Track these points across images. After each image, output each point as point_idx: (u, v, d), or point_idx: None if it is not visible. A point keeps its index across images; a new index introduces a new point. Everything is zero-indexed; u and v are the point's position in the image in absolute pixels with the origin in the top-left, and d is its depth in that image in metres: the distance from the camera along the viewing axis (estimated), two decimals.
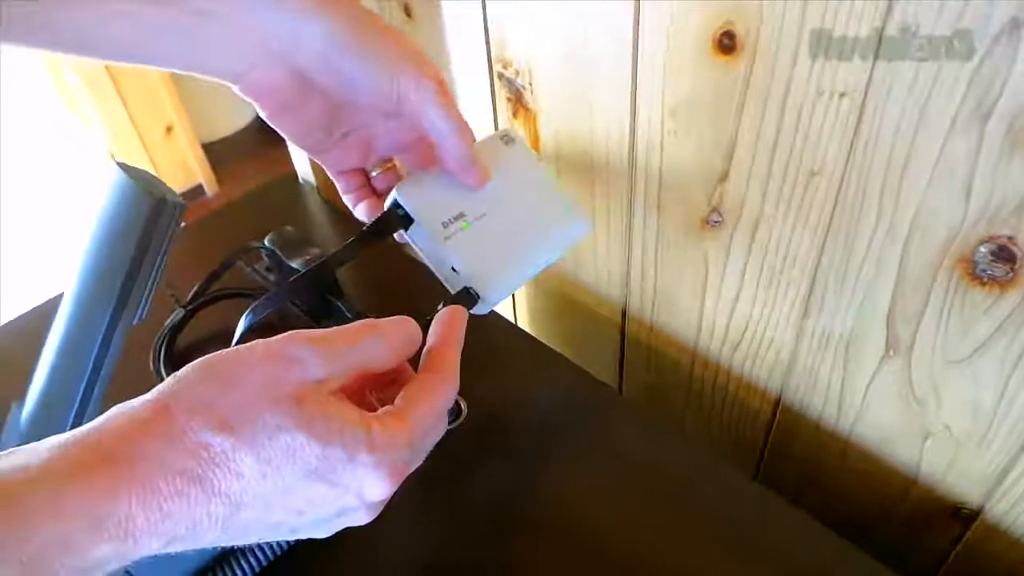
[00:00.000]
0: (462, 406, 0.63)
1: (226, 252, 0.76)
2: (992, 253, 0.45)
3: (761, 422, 0.68)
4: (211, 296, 0.77)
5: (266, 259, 0.79)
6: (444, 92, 0.45)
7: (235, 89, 0.46)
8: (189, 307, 0.75)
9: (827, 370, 0.59)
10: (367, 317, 0.70)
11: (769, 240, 0.57)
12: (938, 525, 0.59)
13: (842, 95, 0.47)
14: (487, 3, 0.65)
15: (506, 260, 0.49)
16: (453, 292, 0.48)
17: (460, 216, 0.48)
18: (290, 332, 0.36)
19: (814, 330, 0.58)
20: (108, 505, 0.29)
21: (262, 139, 2.31)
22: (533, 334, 0.74)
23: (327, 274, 0.71)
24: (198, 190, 2.19)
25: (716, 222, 0.59)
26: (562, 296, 0.80)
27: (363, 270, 0.81)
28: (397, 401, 0.37)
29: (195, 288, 0.76)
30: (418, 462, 0.37)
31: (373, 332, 0.37)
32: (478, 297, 0.47)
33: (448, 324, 0.42)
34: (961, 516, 0.57)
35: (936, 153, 0.44)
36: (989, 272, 0.46)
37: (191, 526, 0.30)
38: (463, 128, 0.46)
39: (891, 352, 0.54)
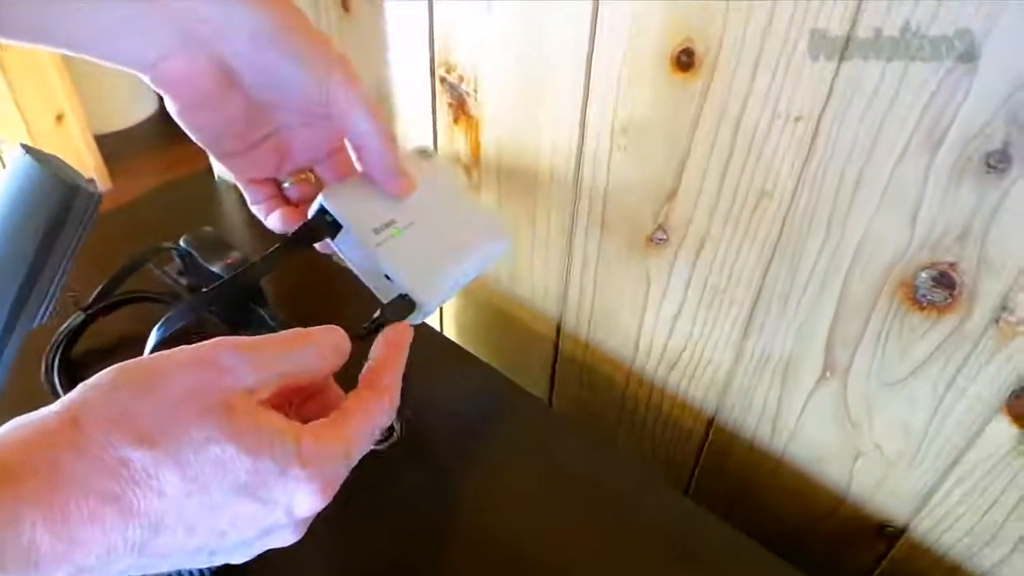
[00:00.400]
0: (395, 427, 0.60)
1: (131, 253, 0.70)
2: (933, 279, 0.47)
3: (694, 441, 0.68)
4: (116, 299, 0.71)
5: (179, 262, 0.73)
6: (371, 99, 0.45)
7: (145, 78, 0.41)
8: (90, 310, 0.69)
9: (763, 391, 0.60)
10: (290, 326, 0.66)
11: (714, 259, 0.57)
12: (864, 543, 0.60)
13: (797, 119, 0.47)
14: (434, 4, 0.63)
15: (438, 268, 0.47)
16: (385, 300, 0.46)
17: (391, 223, 0.46)
18: (217, 338, 0.33)
19: (753, 351, 0.59)
20: (7, 530, 0.25)
21: (161, 134, 2.19)
22: (461, 345, 0.71)
23: (250, 282, 0.66)
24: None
25: (661, 240, 0.59)
26: (493, 309, 0.79)
27: (284, 277, 0.76)
28: (333, 414, 0.35)
29: (97, 290, 0.70)
30: (345, 475, 0.35)
31: (305, 341, 0.35)
32: (414, 304, 0.45)
33: (393, 343, 0.40)
34: (886, 534, 0.59)
35: (886, 178, 0.46)
36: (929, 297, 0.47)
37: (104, 554, 0.27)
38: (390, 135, 0.45)
39: (828, 374, 0.55)
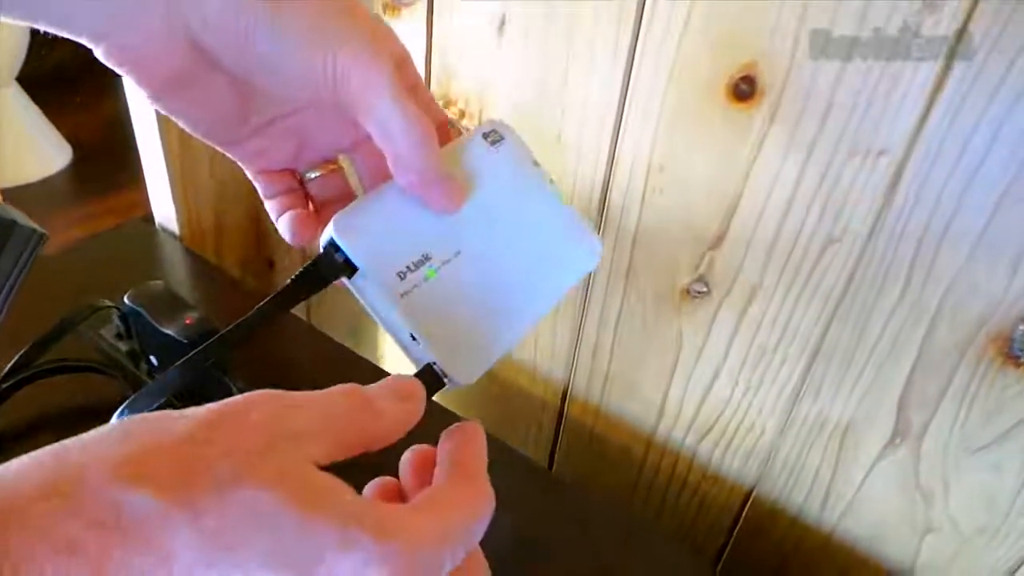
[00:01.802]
0: None
1: (57, 313, 0.59)
2: None
3: (726, 516, 0.61)
4: (36, 370, 0.59)
5: (117, 324, 0.62)
6: (403, 79, 0.32)
7: (97, 53, 0.31)
8: (4, 384, 0.57)
9: (816, 460, 0.53)
10: None
11: (764, 315, 0.51)
12: None
13: (880, 153, 0.42)
14: (434, 28, 0.56)
15: (488, 318, 0.34)
16: (415, 367, 0.34)
17: (424, 260, 0.33)
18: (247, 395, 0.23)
19: (806, 416, 0.52)
20: None
21: (77, 187, 2.02)
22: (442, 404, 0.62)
23: (239, 342, 0.56)
24: None
25: (700, 292, 0.53)
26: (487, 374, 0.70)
27: (256, 340, 0.66)
28: (418, 498, 0.26)
29: (15, 359, 0.58)
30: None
31: (363, 399, 0.27)
32: (445, 378, 0.34)
33: (469, 438, 0.30)
34: None
35: (983, 223, 0.41)
36: None
37: None
38: (424, 129, 0.31)
39: (898, 440, 0.49)
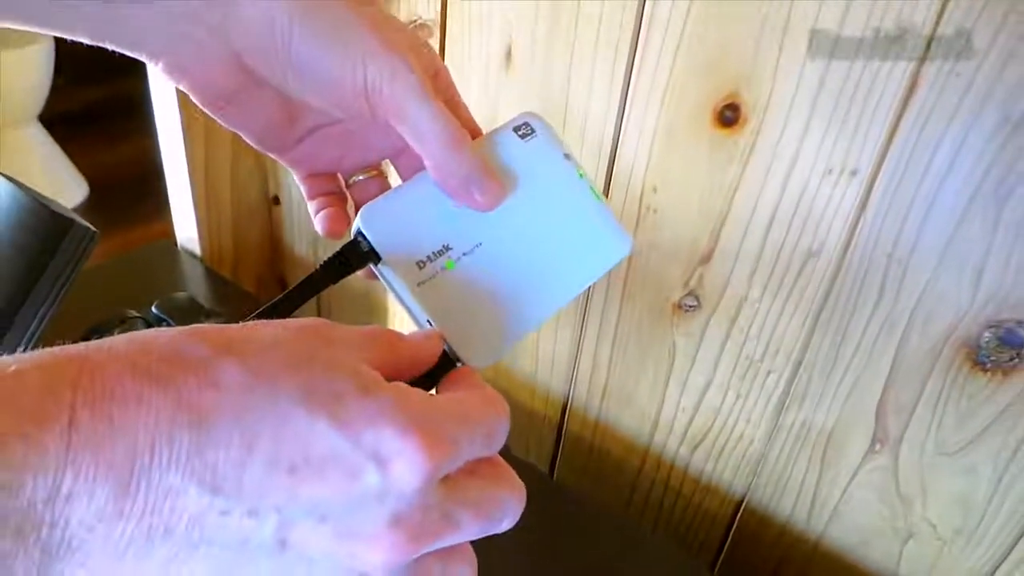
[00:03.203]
0: None
1: (84, 325, 0.63)
2: (999, 338, 0.45)
3: (719, 524, 0.63)
4: None
5: None
6: (434, 86, 0.34)
7: (157, 69, 0.35)
8: None
9: (802, 467, 0.56)
10: None
11: (750, 327, 0.54)
12: None
13: (853, 173, 0.46)
14: (446, 58, 0.60)
15: (505, 307, 0.36)
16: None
17: (444, 250, 0.35)
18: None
19: (792, 424, 0.55)
20: (46, 396, 0.20)
21: (92, 222, 2.08)
22: None
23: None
24: None
25: (691, 307, 0.56)
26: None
27: None
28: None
29: None
30: (461, 459, 0.24)
31: (391, 332, 0.29)
32: (458, 361, 0.35)
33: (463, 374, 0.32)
34: None
35: (948, 236, 0.44)
36: (993, 358, 0.45)
37: (146, 458, 0.20)
38: (457, 132, 0.33)
39: (877, 446, 0.52)
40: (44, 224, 0.37)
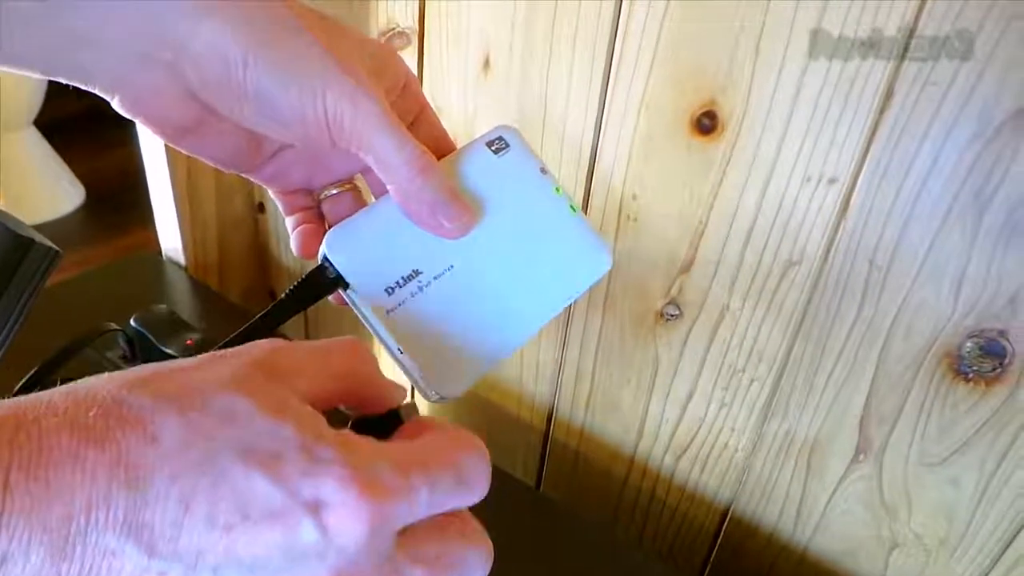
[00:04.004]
0: None
1: (65, 337, 0.62)
2: (980, 348, 0.44)
3: (705, 534, 0.62)
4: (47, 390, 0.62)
5: (124, 347, 0.65)
6: (404, 105, 0.34)
7: (113, 104, 0.34)
8: None
9: (787, 477, 0.56)
10: None
11: (732, 336, 0.53)
12: None
13: (831, 181, 0.45)
14: (424, 68, 0.60)
15: (479, 332, 0.34)
16: (406, 377, 0.35)
17: (414, 275, 0.33)
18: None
19: (775, 434, 0.55)
20: None
21: (90, 225, 2.08)
22: None
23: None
24: None
25: (672, 315, 0.55)
26: (474, 396, 0.73)
27: None
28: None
29: (24, 379, 0.60)
30: (419, 507, 0.23)
31: (357, 345, 0.27)
32: (430, 391, 0.34)
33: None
34: None
35: (928, 244, 0.43)
36: (975, 368, 0.45)
37: (84, 519, 0.20)
38: (423, 161, 0.32)
39: (861, 456, 0.51)
40: (2, 244, 0.36)
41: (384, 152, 0.31)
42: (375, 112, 0.31)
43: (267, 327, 0.37)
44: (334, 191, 0.38)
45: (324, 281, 0.35)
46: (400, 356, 0.33)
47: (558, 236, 0.36)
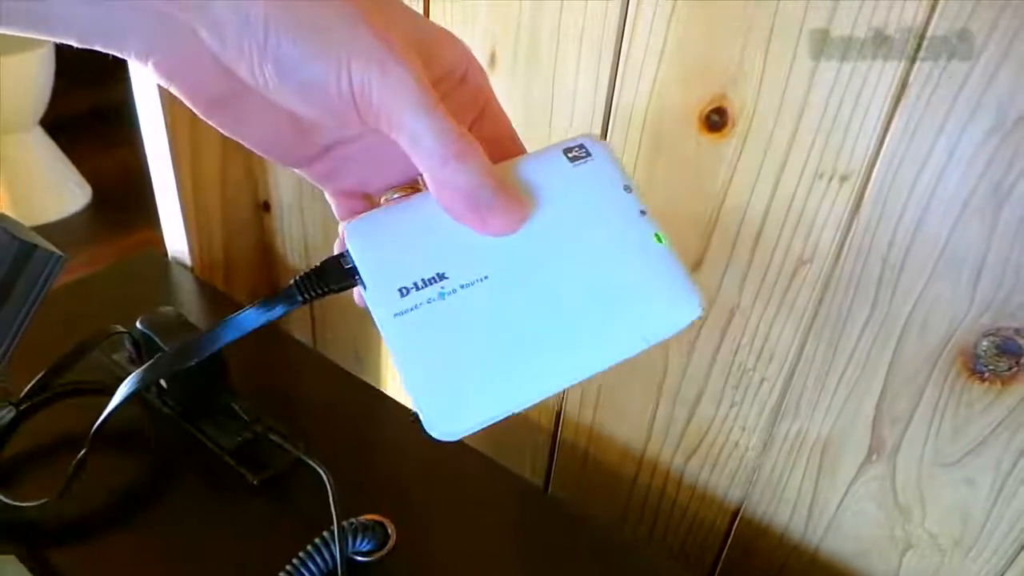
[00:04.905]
0: (389, 531, 0.52)
1: (74, 340, 0.62)
2: (996, 347, 0.43)
3: (715, 535, 0.62)
4: (54, 392, 0.62)
5: (130, 349, 0.65)
6: (459, 94, 0.30)
7: (147, 70, 0.31)
8: (23, 405, 0.59)
9: (798, 477, 0.55)
10: (262, 421, 0.58)
11: (743, 334, 0.53)
12: None
13: (844, 178, 0.44)
14: None
15: (499, 366, 0.27)
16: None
17: (437, 279, 0.28)
18: None
19: (787, 434, 0.54)
20: None
21: (96, 225, 2.08)
22: None
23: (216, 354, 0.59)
24: None
25: None
26: None
27: (260, 362, 0.69)
28: None
29: (33, 381, 0.60)
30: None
31: None
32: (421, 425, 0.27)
33: None
34: None
35: (943, 241, 0.43)
36: (991, 367, 0.44)
37: None
38: (461, 144, 0.27)
39: (874, 456, 0.51)
40: (5, 250, 0.36)
41: (415, 131, 0.27)
42: (407, 84, 0.27)
43: (275, 315, 0.33)
44: (395, 195, 0.34)
45: (338, 272, 0.31)
46: (400, 370, 0.28)
47: (634, 266, 0.28)
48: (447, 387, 0.27)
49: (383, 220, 0.30)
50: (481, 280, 0.28)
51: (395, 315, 0.28)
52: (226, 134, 0.32)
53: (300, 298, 0.31)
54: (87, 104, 2.26)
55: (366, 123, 0.28)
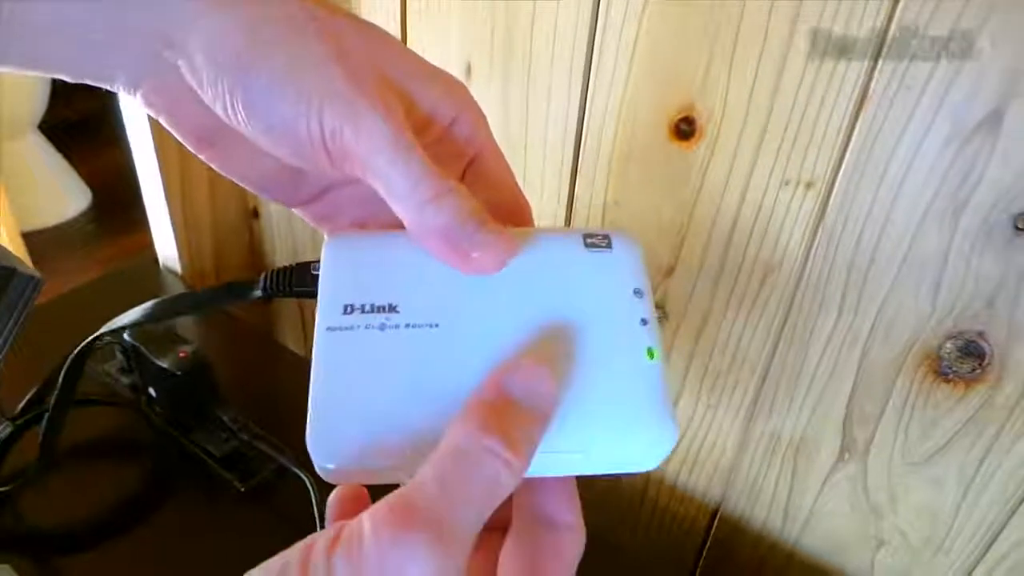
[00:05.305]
0: None
1: (65, 349, 0.63)
2: (959, 349, 0.44)
3: (695, 534, 0.63)
4: (46, 408, 0.63)
5: (121, 358, 0.66)
6: (449, 140, 0.29)
7: (138, 103, 0.31)
8: (19, 419, 0.61)
9: (773, 477, 0.56)
10: (249, 430, 0.60)
11: (716, 339, 0.54)
12: None
13: (808, 185, 0.45)
14: None
15: (408, 417, 0.24)
16: None
17: (386, 309, 0.26)
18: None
19: (761, 434, 0.55)
20: None
21: (95, 229, 2.09)
22: None
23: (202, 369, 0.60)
24: None
25: (658, 318, 0.56)
26: None
27: (253, 371, 0.70)
28: None
29: (28, 396, 0.62)
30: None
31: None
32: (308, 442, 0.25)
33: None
34: None
35: (906, 247, 0.44)
36: (955, 369, 0.45)
37: None
38: (440, 188, 0.26)
39: (845, 456, 0.52)
40: None
41: (388, 176, 0.26)
42: (379, 128, 0.26)
43: (231, 297, 0.34)
44: None
45: (303, 276, 0.32)
46: (312, 383, 0.26)
47: (611, 377, 0.25)
48: (342, 417, 0.25)
49: (365, 241, 0.29)
50: (430, 326, 0.26)
51: (327, 328, 0.26)
52: (219, 171, 0.32)
53: (261, 291, 0.32)
54: (86, 107, 2.27)
55: (340, 169, 0.27)
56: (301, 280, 0.31)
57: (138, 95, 0.30)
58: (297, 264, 0.32)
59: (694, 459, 0.60)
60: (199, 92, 0.28)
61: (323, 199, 0.32)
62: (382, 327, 0.26)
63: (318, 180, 0.32)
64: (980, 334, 0.43)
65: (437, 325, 0.26)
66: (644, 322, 0.26)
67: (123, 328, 0.46)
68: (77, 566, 0.53)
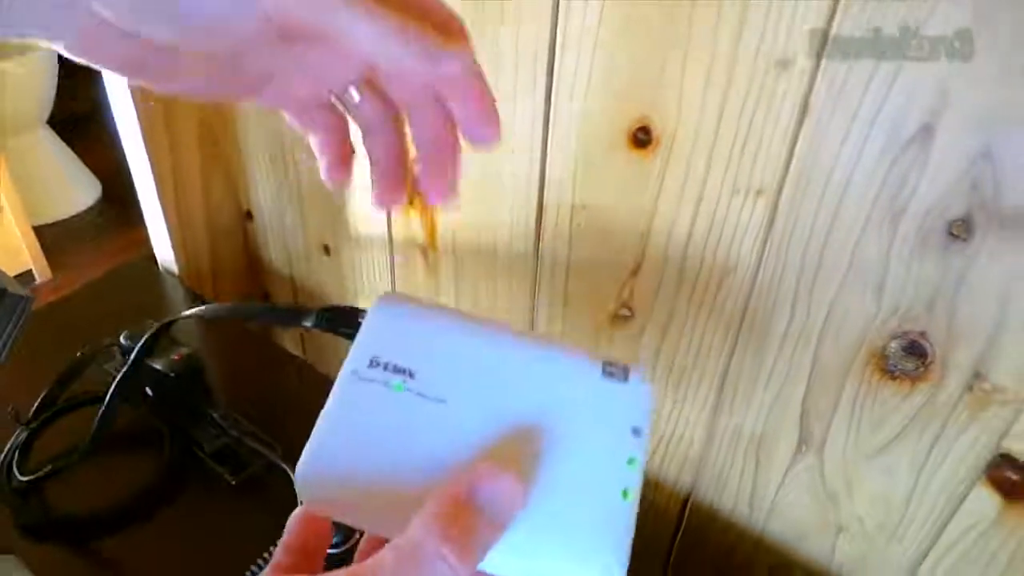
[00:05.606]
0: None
1: (71, 352, 0.66)
2: (904, 349, 0.46)
3: (669, 520, 0.66)
4: (58, 409, 0.66)
5: (120, 359, 0.69)
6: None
7: (62, 51, 0.30)
8: (33, 424, 0.64)
9: (739, 468, 0.58)
10: (240, 427, 0.63)
11: (680, 337, 0.56)
12: None
13: (759, 192, 0.47)
14: None
15: (394, 477, 0.27)
16: None
17: (405, 372, 0.29)
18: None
19: (725, 428, 0.57)
20: None
21: (105, 222, 2.14)
22: None
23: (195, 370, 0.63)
24: (27, 276, 1.97)
25: (625, 317, 0.58)
26: None
27: (252, 371, 0.73)
28: None
29: (37, 401, 0.65)
30: None
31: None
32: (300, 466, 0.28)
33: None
34: None
35: (850, 252, 0.45)
36: (900, 367, 0.47)
37: None
38: (398, 19, 0.26)
39: (804, 448, 0.54)
40: None
41: (351, 27, 0.26)
42: None
43: (281, 322, 0.37)
44: (357, 97, 0.32)
45: (348, 320, 0.36)
46: (322, 415, 0.29)
47: (582, 503, 0.27)
48: (334, 463, 0.27)
49: (412, 307, 0.31)
50: (437, 401, 0.28)
51: (352, 371, 0.29)
52: (162, 93, 0.31)
53: (309, 323, 0.35)
54: (94, 100, 2.30)
55: (287, 38, 0.27)
56: (345, 323, 0.35)
57: (60, 45, 0.30)
58: (346, 308, 0.36)
59: (665, 449, 0.62)
60: (117, 22, 0.28)
61: (270, 85, 0.31)
62: (396, 389, 0.28)
63: (252, 65, 0.30)
64: (922, 334, 0.45)
65: (444, 401, 0.28)
66: (631, 462, 0.28)
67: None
68: (79, 552, 0.56)
